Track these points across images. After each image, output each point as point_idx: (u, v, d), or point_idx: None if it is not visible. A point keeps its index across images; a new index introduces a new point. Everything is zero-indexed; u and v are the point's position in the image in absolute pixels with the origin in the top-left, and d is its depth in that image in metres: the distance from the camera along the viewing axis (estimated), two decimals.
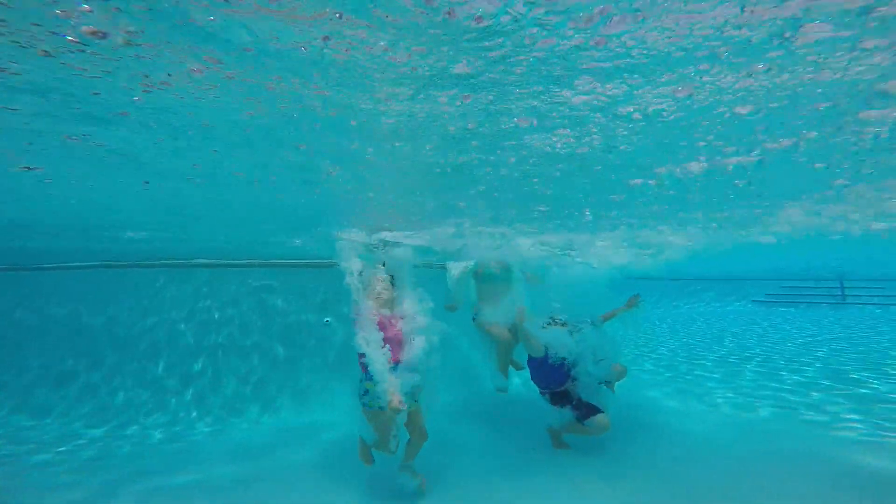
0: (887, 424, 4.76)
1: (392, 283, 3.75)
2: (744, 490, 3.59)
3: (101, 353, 6.57)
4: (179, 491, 3.95)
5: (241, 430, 5.49)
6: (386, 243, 4.56)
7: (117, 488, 3.99)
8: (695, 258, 9.93)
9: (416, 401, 3.60)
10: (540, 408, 4.71)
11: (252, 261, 6.80)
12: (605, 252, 6.52)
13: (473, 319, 5.06)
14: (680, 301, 20.32)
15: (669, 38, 1.95)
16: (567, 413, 4.33)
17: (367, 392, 3.39)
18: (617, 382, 4.79)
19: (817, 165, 3.52)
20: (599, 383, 4.45)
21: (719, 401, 5.99)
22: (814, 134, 2.93)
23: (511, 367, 5.20)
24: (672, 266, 14.52)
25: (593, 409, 4.21)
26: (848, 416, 5.10)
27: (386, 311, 3.61)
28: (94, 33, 1.84)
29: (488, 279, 5.09)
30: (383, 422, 3.40)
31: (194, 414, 5.85)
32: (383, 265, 3.81)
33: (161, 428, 5.56)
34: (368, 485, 3.93)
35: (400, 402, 3.24)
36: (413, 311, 3.61)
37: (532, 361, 4.48)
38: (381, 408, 3.31)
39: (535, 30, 1.89)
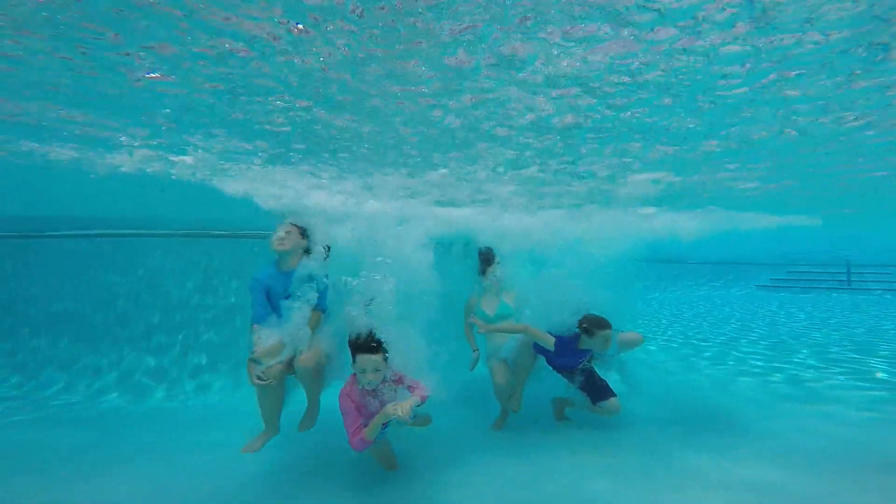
0: None
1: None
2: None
3: None
4: None
5: None
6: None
7: None
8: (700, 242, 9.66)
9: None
10: (540, 383, 4.68)
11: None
12: None
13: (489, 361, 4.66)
14: (681, 285, 20.12)
15: None
16: (579, 394, 4.39)
17: None
18: (632, 350, 4.54)
19: None
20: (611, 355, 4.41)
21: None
22: None
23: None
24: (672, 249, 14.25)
25: (607, 392, 4.27)
26: None
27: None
28: None
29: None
30: (379, 451, 3.67)
31: None
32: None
33: None
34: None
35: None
36: (408, 374, 3.30)
37: (548, 351, 4.27)
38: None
39: None
